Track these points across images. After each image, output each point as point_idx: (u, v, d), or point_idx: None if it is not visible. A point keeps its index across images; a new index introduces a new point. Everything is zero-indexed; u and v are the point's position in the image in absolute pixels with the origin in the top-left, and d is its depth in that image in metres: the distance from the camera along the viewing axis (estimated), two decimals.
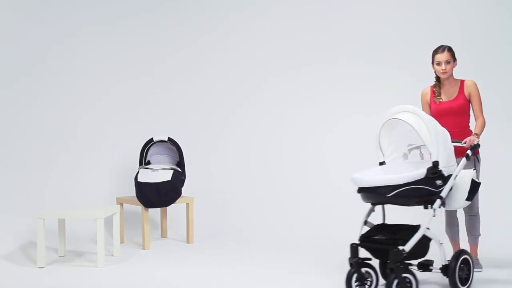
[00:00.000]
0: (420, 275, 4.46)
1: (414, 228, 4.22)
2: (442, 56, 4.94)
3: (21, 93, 6.74)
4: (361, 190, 4.26)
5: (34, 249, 5.63)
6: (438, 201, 4.26)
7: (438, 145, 4.24)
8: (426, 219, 4.17)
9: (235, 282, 4.70)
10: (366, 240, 4.30)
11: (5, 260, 5.42)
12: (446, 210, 4.95)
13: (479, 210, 5.07)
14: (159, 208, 6.43)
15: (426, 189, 4.20)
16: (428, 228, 4.22)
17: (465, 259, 4.40)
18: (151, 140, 6.31)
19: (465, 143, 4.73)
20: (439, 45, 5.05)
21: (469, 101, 4.99)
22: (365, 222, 4.43)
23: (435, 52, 5.01)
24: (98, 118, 7.00)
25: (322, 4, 6.87)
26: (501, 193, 6.29)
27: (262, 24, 7.05)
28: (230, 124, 7.10)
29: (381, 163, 4.61)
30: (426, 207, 4.25)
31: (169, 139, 6.29)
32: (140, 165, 6.28)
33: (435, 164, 4.19)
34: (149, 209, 5.96)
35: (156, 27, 7.17)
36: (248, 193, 6.93)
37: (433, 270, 4.38)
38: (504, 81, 6.42)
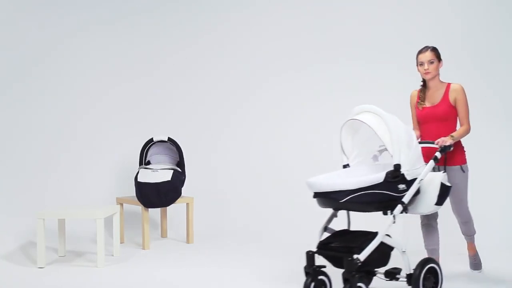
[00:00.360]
0: (387, 284, 4.26)
1: (373, 235, 3.98)
2: (425, 56, 4.68)
3: (21, 93, 6.74)
4: (315, 195, 4.05)
5: (34, 249, 5.63)
6: (399, 207, 4.00)
7: (400, 146, 3.99)
8: (385, 226, 3.95)
9: (235, 282, 4.70)
10: (323, 247, 4.09)
11: (5, 260, 5.42)
12: (424, 225, 4.70)
13: (471, 214, 4.83)
14: (159, 208, 6.43)
15: (386, 194, 3.94)
16: (388, 236, 4.00)
17: (432, 268, 4.14)
18: (151, 140, 6.31)
19: (437, 143, 4.48)
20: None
21: (454, 107, 4.67)
22: (325, 228, 4.21)
23: (419, 52, 4.76)
24: (98, 118, 7.00)
25: (322, 4, 6.87)
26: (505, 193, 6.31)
27: (262, 24, 7.05)
28: (230, 124, 7.10)
29: (345, 166, 4.39)
30: (385, 213, 4.00)
31: (169, 139, 6.29)
32: (140, 165, 6.28)
33: (396, 167, 3.95)
34: (149, 209, 5.96)
35: (156, 27, 7.17)
36: (248, 193, 6.93)
37: (400, 279, 4.09)
38: (504, 81, 6.43)
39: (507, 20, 6.44)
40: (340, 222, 4.23)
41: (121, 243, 6.03)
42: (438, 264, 4.24)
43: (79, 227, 6.34)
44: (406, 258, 4.05)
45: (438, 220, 4.66)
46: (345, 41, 6.84)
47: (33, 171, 6.69)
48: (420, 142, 4.48)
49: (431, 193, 4.25)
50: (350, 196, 3.88)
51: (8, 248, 5.78)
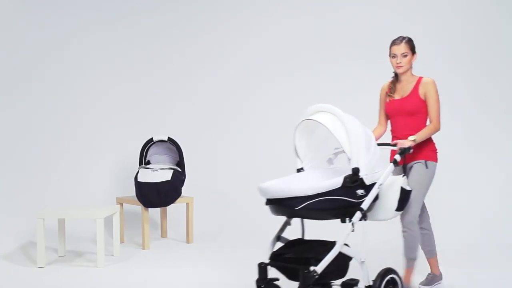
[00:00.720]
0: None
1: (331, 245, 3.71)
2: (398, 48, 4.36)
3: (21, 93, 6.74)
4: (268, 202, 3.76)
5: (34, 249, 5.63)
6: (358, 214, 3.72)
7: (358, 149, 3.70)
8: (343, 235, 3.68)
9: (235, 282, 4.70)
10: (276, 258, 3.80)
11: (5, 260, 5.42)
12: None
13: (431, 225, 4.46)
14: (159, 208, 6.43)
15: (344, 200, 3.67)
16: (346, 245, 3.74)
17: (392, 279, 3.89)
18: (151, 140, 6.31)
19: (395, 145, 4.20)
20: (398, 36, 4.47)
21: (425, 101, 4.37)
22: (278, 238, 3.93)
23: (392, 43, 4.43)
24: (98, 118, 7.00)
25: (322, 4, 6.87)
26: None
27: (263, 25, 7.05)
28: (230, 124, 7.10)
29: (299, 170, 4.10)
30: (343, 221, 3.72)
31: (169, 139, 6.29)
32: (140, 165, 6.28)
33: (355, 171, 3.67)
34: (149, 209, 5.96)
35: (156, 27, 7.17)
36: (248, 193, 6.91)
37: None
38: (506, 75, 6.44)
39: (508, 19, 6.46)
40: (294, 231, 3.98)
41: (121, 243, 6.03)
42: (398, 274, 3.97)
43: (79, 227, 6.34)
44: (365, 269, 3.80)
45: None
46: (345, 41, 6.84)
47: (33, 171, 6.69)
48: (379, 144, 4.13)
49: (391, 198, 4.00)
50: (306, 203, 3.59)
51: (8, 248, 5.78)
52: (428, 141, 4.36)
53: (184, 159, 6.32)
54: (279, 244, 3.91)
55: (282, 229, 3.96)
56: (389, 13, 6.69)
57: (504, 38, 6.47)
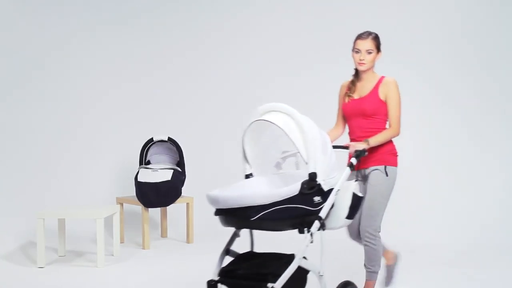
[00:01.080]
0: None
1: (288, 259, 3.43)
2: (364, 43, 4.02)
3: (21, 93, 6.74)
4: (218, 212, 3.46)
5: (34, 249, 5.62)
6: (316, 223, 3.42)
7: (316, 152, 3.39)
8: (302, 247, 3.40)
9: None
10: (227, 275, 3.50)
11: (5, 260, 5.42)
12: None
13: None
14: (159, 208, 6.42)
15: (302, 208, 3.35)
16: (305, 258, 3.46)
17: None
18: (151, 140, 6.31)
19: (347, 147, 3.92)
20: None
21: (385, 103, 4.03)
22: (227, 251, 3.64)
23: (357, 37, 4.10)
24: (98, 118, 7.00)
25: (322, 5, 6.87)
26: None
27: (263, 25, 7.03)
28: (230, 124, 7.09)
29: (248, 176, 3.78)
30: (301, 231, 3.40)
31: (169, 139, 6.29)
32: (140, 165, 6.28)
33: (312, 176, 3.35)
34: (149, 209, 5.96)
35: (156, 27, 7.16)
36: None
37: None
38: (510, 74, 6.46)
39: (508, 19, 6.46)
40: (241, 244, 3.69)
41: (121, 243, 6.03)
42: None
43: (79, 227, 6.34)
44: (323, 282, 3.54)
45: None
46: (345, 41, 6.84)
47: (33, 171, 6.69)
48: (334, 147, 3.82)
49: (342, 205, 3.67)
50: (262, 213, 3.27)
51: (8, 248, 5.78)
52: (388, 144, 4.04)
53: (184, 159, 6.31)
54: (229, 259, 3.64)
55: (231, 242, 3.67)
56: (390, 13, 6.69)
57: (506, 37, 6.48)
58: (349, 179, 3.81)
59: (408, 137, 6.74)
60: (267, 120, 3.53)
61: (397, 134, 4.02)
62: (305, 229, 3.39)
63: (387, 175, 3.94)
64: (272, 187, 3.70)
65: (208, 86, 7.16)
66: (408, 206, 6.37)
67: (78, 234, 6.29)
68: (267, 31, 7.03)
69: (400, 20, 6.62)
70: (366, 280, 4.01)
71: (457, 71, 6.59)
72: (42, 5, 6.81)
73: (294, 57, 7.00)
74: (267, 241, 3.95)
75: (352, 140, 4.08)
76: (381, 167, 3.95)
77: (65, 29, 6.92)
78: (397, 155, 4.06)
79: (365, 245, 3.95)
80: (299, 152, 3.44)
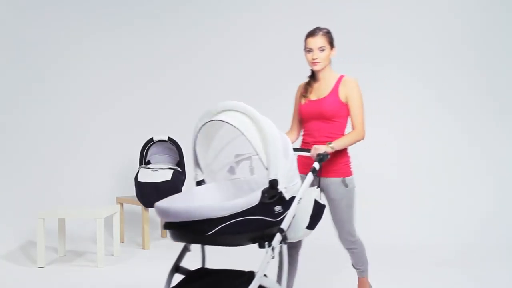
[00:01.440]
0: None
1: (246, 277, 3.12)
2: (315, 41, 3.70)
3: (20, 94, 6.75)
4: (168, 225, 3.02)
5: (34, 249, 5.62)
6: (278, 236, 3.08)
7: (276, 156, 3.03)
8: (262, 263, 3.06)
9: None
10: None
11: (5, 260, 5.42)
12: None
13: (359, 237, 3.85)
14: None
15: (262, 220, 2.99)
16: (265, 276, 3.12)
17: None
18: (151, 139, 6.31)
19: (309, 150, 3.60)
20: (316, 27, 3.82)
21: (345, 104, 3.72)
22: (177, 268, 3.34)
23: (308, 35, 3.78)
24: (98, 118, 7.00)
25: (322, 7, 6.87)
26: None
27: (266, 26, 7.03)
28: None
29: (199, 183, 3.47)
30: (262, 246, 3.05)
31: (169, 138, 6.29)
32: (140, 164, 6.28)
33: (273, 183, 2.99)
34: (149, 209, 5.96)
35: (157, 29, 7.16)
36: None
37: None
38: (507, 75, 6.46)
39: (508, 19, 6.46)
40: (191, 259, 3.41)
41: (121, 243, 6.03)
42: None
43: (79, 227, 6.34)
44: None
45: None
46: (346, 41, 6.84)
47: (33, 171, 6.69)
48: (295, 149, 3.52)
49: (303, 214, 3.36)
50: (219, 227, 2.89)
51: (8, 248, 5.78)
52: (344, 156, 3.76)
53: (184, 159, 6.31)
54: (179, 276, 3.34)
55: (180, 257, 3.34)
56: (390, 13, 6.69)
57: (505, 37, 6.48)
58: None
59: (409, 137, 6.79)
60: (222, 120, 3.17)
61: (362, 137, 3.71)
62: (266, 243, 3.06)
63: (346, 185, 3.71)
64: (226, 196, 3.38)
65: (208, 86, 7.15)
66: (408, 206, 6.38)
67: (78, 234, 6.29)
68: (268, 31, 7.03)
69: (400, 21, 6.63)
70: (359, 277, 3.95)
71: (456, 72, 6.60)
72: (40, 5, 6.82)
73: (295, 57, 7.00)
74: (221, 255, 3.62)
75: (306, 145, 3.80)
76: (339, 180, 3.69)
77: (66, 32, 6.93)
78: (350, 164, 3.79)
79: (351, 250, 3.83)
80: (258, 156, 3.07)
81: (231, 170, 3.61)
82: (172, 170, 6.10)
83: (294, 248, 3.78)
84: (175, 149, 6.32)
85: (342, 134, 3.74)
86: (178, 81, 7.18)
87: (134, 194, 6.14)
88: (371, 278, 4.09)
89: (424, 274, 4.70)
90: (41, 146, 6.77)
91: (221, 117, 3.19)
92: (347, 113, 3.74)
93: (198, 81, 7.14)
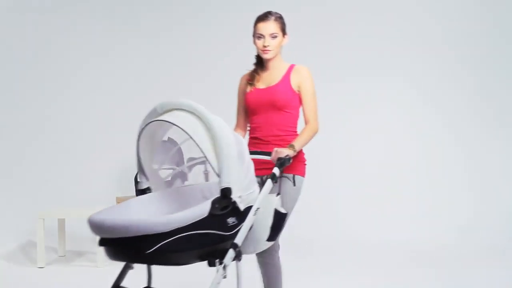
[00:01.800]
0: None
1: None
2: (267, 26, 3.36)
3: (20, 93, 6.75)
4: (103, 242, 2.75)
5: (34, 249, 5.62)
6: (231, 252, 2.75)
7: (230, 162, 2.68)
8: (213, 284, 2.77)
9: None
10: None
11: (5, 260, 5.42)
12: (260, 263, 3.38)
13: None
14: None
15: (212, 234, 2.64)
16: None
17: None
18: None
19: (269, 154, 3.21)
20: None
21: (298, 94, 3.38)
22: None
23: (258, 19, 3.44)
24: (98, 118, 7.00)
25: (321, 7, 6.87)
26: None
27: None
28: (231, 124, 7.10)
29: (144, 191, 3.19)
30: (212, 264, 2.73)
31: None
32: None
33: (226, 192, 2.64)
34: None
35: (156, 24, 7.15)
36: None
37: None
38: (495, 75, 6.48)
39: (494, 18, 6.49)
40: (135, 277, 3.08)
41: None
42: None
43: (79, 227, 6.34)
44: None
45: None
46: (347, 42, 6.84)
47: (33, 171, 6.69)
48: (251, 152, 3.11)
49: (262, 225, 2.99)
50: (160, 244, 2.53)
51: (8, 248, 5.78)
52: (298, 152, 3.35)
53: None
54: None
55: (122, 276, 3.03)
56: (392, 14, 6.70)
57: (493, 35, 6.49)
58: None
59: (409, 138, 6.79)
60: (165, 121, 2.87)
61: (317, 131, 3.39)
62: (217, 260, 2.72)
63: (294, 184, 3.32)
64: (175, 206, 3.00)
65: (209, 86, 7.15)
66: (408, 207, 6.38)
67: (78, 234, 6.29)
68: None
69: (401, 21, 6.63)
70: None
71: (443, 72, 6.61)
72: (39, 6, 6.83)
73: (295, 57, 7.01)
74: (170, 273, 3.38)
75: (254, 140, 3.46)
76: (289, 175, 3.31)
77: (64, 30, 6.93)
78: (305, 164, 3.43)
79: (266, 263, 3.36)
80: (208, 162, 2.74)
81: (182, 176, 3.26)
82: None
83: (268, 254, 3.32)
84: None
85: (294, 127, 3.41)
86: (178, 81, 7.17)
87: (134, 194, 6.13)
88: (358, 278, 4.05)
89: (424, 274, 4.70)
90: (41, 146, 6.77)
91: (165, 117, 2.87)
92: (299, 104, 3.41)
93: (198, 81, 7.13)
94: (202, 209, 2.61)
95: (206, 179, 3.33)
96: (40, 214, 5.18)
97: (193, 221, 2.58)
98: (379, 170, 6.57)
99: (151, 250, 2.54)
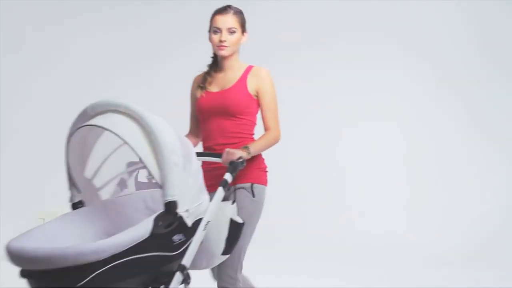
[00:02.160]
0: None
1: None
2: (224, 20, 3.13)
3: (20, 92, 6.75)
4: (25, 273, 2.43)
5: None
6: (178, 276, 2.48)
7: (174, 170, 2.38)
8: None
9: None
10: None
11: (5, 260, 5.42)
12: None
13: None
14: None
15: (156, 256, 2.32)
16: None
17: None
18: None
19: (219, 156, 2.91)
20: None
21: (255, 99, 3.13)
22: None
23: (215, 12, 3.21)
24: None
25: (321, 9, 6.87)
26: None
27: (269, 24, 7.04)
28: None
29: (75, 205, 2.76)
30: None
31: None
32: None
33: (170, 206, 2.36)
34: None
35: (158, 21, 7.16)
36: None
37: None
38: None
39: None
40: None
41: None
42: None
43: None
44: None
45: None
46: (347, 43, 6.84)
47: (33, 171, 6.69)
48: (199, 154, 2.88)
49: (216, 237, 2.69)
50: (96, 273, 2.22)
51: None
52: (257, 157, 3.12)
53: None
54: None
55: None
56: (393, 14, 6.70)
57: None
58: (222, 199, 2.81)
59: (406, 136, 6.79)
60: (97, 126, 2.54)
61: (278, 139, 3.13)
62: (162, 287, 2.43)
63: (253, 195, 3.06)
64: (112, 223, 2.65)
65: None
66: (408, 207, 6.37)
67: None
68: (268, 30, 7.02)
69: (402, 21, 6.64)
70: None
71: (462, 72, 6.61)
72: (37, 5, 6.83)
73: (295, 57, 6.99)
74: None
75: (209, 149, 3.18)
76: (247, 185, 3.05)
77: (62, 26, 6.93)
78: (267, 172, 3.18)
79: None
80: (149, 171, 2.46)
81: (122, 184, 2.89)
82: None
83: (227, 283, 2.97)
84: None
85: (251, 136, 3.16)
86: (179, 81, 7.17)
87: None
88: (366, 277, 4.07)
89: (424, 274, 4.70)
90: (42, 146, 6.77)
91: (97, 121, 2.51)
92: (256, 109, 3.17)
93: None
94: (142, 230, 2.29)
95: (149, 186, 2.93)
96: (40, 214, 5.18)
97: (132, 244, 2.27)
98: (390, 169, 6.58)
99: (83, 282, 2.22)
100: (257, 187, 3.05)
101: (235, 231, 2.78)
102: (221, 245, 2.71)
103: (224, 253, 2.75)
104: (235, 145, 3.05)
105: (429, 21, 7.02)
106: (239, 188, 3.01)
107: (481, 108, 6.84)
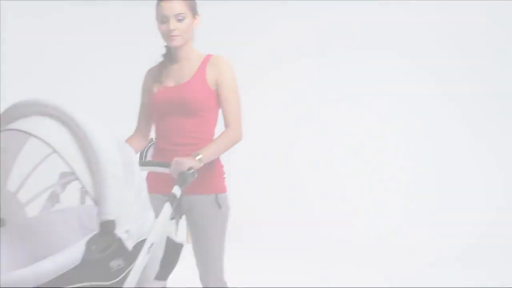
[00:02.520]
0: None
1: None
2: (170, 6, 2.74)
3: (19, 91, 6.75)
4: None
5: None
6: None
7: (111, 184, 2.02)
8: None
9: (234, 281, 4.71)
10: None
11: None
12: None
13: None
14: None
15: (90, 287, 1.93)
16: None
17: None
18: (151, 140, 6.30)
19: (167, 165, 2.57)
20: None
21: (215, 93, 2.80)
22: None
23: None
24: (97, 117, 7.00)
25: (325, 10, 6.88)
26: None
27: (270, 23, 7.04)
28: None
29: None
30: None
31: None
32: (139, 165, 6.27)
33: (107, 227, 1.99)
34: None
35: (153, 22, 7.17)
36: (248, 192, 6.92)
37: None
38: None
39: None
40: None
41: None
42: None
43: None
44: None
45: None
46: (347, 44, 6.84)
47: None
48: (143, 164, 2.58)
49: (152, 259, 2.28)
50: None
51: None
52: (217, 164, 2.86)
53: None
54: None
55: None
56: (395, 14, 6.71)
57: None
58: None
59: (406, 136, 6.79)
60: (20, 130, 2.13)
61: (239, 138, 2.84)
62: None
63: (219, 206, 2.84)
64: (38, 246, 2.29)
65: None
66: (409, 207, 6.37)
67: None
68: (275, 30, 7.02)
69: (403, 22, 6.64)
70: None
71: (461, 72, 6.62)
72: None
73: (295, 57, 6.99)
74: None
75: (159, 152, 2.84)
76: (211, 197, 2.79)
77: (62, 26, 6.94)
78: (224, 178, 2.92)
79: None
80: (82, 184, 2.06)
81: (53, 199, 2.58)
82: None
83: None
84: None
85: (211, 134, 2.86)
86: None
87: None
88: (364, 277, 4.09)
89: (419, 274, 4.70)
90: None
91: (20, 125, 2.12)
92: (218, 105, 2.85)
93: None
94: (72, 255, 1.90)
95: (83, 200, 2.60)
96: None
97: (58, 274, 1.85)
98: (389, 169, 6.58)
99: None
100: (220, 196, 2.83)
101: (173, 253, 2.43)
102: (155, 268, 2.34)
103: (158, 277, 2.37)
104: (193, 146, 2.75)
105: (428, 22, 7.03)
106: (202, 202, 2.74)
107: (479, 109, 6.85)
